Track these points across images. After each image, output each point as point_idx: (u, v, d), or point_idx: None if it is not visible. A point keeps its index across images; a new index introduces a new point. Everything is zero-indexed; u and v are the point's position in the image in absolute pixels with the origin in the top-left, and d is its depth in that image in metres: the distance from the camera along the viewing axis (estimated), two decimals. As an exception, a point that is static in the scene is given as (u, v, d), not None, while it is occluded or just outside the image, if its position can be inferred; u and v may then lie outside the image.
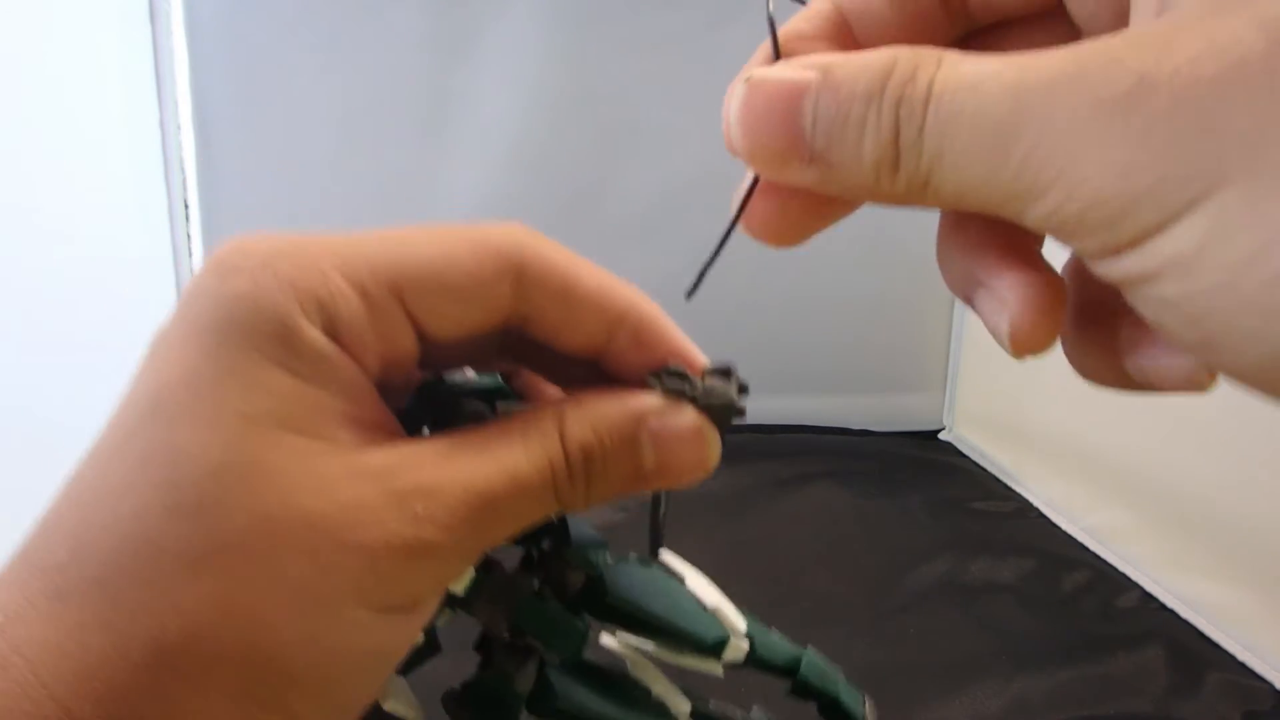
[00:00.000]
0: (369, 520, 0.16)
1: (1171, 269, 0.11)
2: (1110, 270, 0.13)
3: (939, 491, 0.88)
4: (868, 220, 1.02)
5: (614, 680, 0.23)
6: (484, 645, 0.22)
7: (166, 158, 0.90)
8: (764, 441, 1.00)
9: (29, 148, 0.64)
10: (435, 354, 0.19)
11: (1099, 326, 0.17)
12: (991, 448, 0.98)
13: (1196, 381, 0.15)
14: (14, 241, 0.61)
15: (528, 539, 0.22)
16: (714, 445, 0.19)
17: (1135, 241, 0.12)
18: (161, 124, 0.89)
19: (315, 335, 0.16)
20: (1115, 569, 0.72)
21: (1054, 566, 0.72)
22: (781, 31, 0.16)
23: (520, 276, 0.18)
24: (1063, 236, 0.13)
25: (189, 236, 0.92)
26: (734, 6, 0.96)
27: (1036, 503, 0.86)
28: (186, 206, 0.92)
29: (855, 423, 1.07)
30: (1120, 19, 0.15)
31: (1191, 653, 0.60)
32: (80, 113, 0.74)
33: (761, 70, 0.15)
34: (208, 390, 0.15)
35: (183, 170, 0.91)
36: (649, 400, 0.19)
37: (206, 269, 0.17)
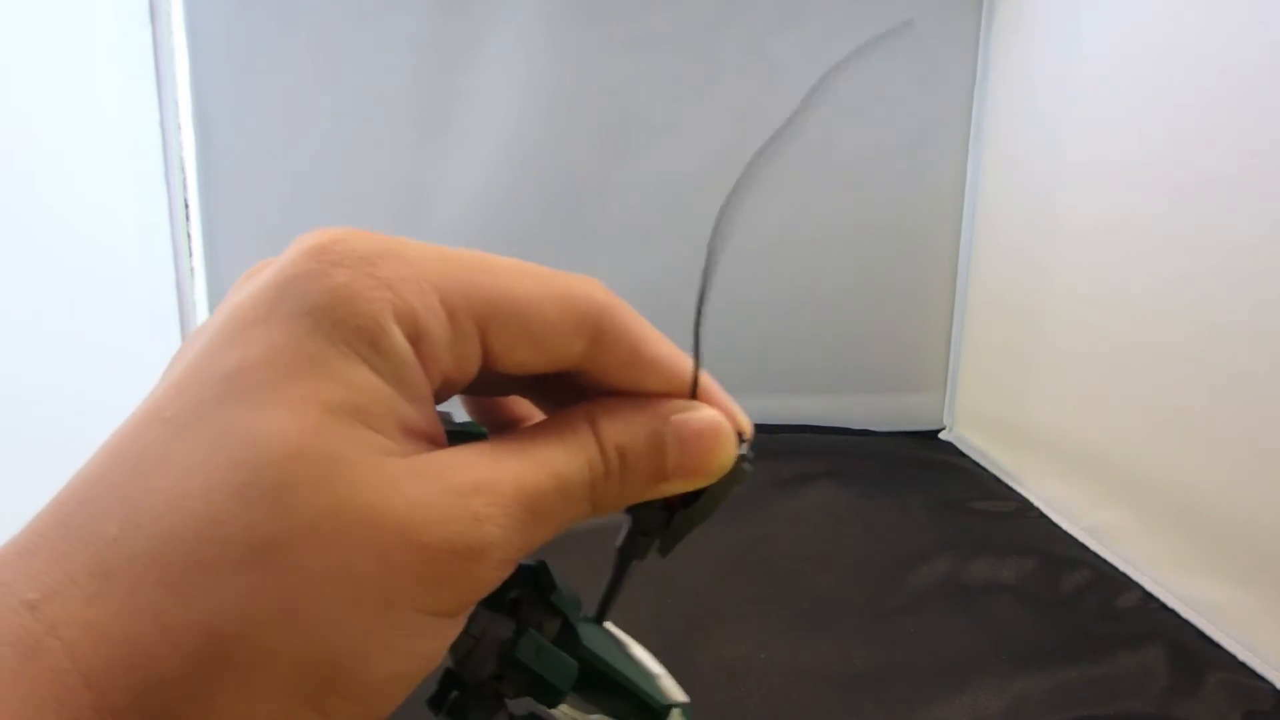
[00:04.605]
0: (434, 519, 0.15)
1: None
2: None
3: (939, 491, 0.88)
4: (868, 222, 1.02)
5: None
6: (445, 697, 0.21)
7: (167, 157, 0.90)
8: (764, 441, 1.00)
9: (29, 148, 0.65)
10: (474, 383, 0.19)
11: None
12: (992, 448, 0.98)
13: None
14: (13, 241, 0.61)
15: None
16: (730, 445, 0.20)
17: None
18: (162, 124, 0.89)
19: (401, 341, 0.16)
20: (1115, 569, 0.72)
21: (1054, 566, 0.72)
22: None
23: (598, 338, 0.19)
24: None
25: (189, 236, 0.93)
26: (732, 8, 0.97)
27: (1037, 502, 0.86)
28: (186, 206, 0.92)
29: (856, 423, 1.07)
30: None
31: (1192, 653, 0.60)
32: (81, 113, 0.74)
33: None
34: (292, 374, 0.15)
35: (183, 170, 0.91)
36: (670, 402, 0.19)
37: (306, 255, 0.16)
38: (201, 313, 0.95)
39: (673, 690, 0.24)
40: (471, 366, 0.18)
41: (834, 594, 0.68)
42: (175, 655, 0.14)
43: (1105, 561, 0.74)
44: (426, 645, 0.16)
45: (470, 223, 0.98)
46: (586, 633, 0.22)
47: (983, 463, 0.97)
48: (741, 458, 0.21)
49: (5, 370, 0.59)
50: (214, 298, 0.95)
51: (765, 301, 1.04)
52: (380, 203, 0.96)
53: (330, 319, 0.16)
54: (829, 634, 0.62)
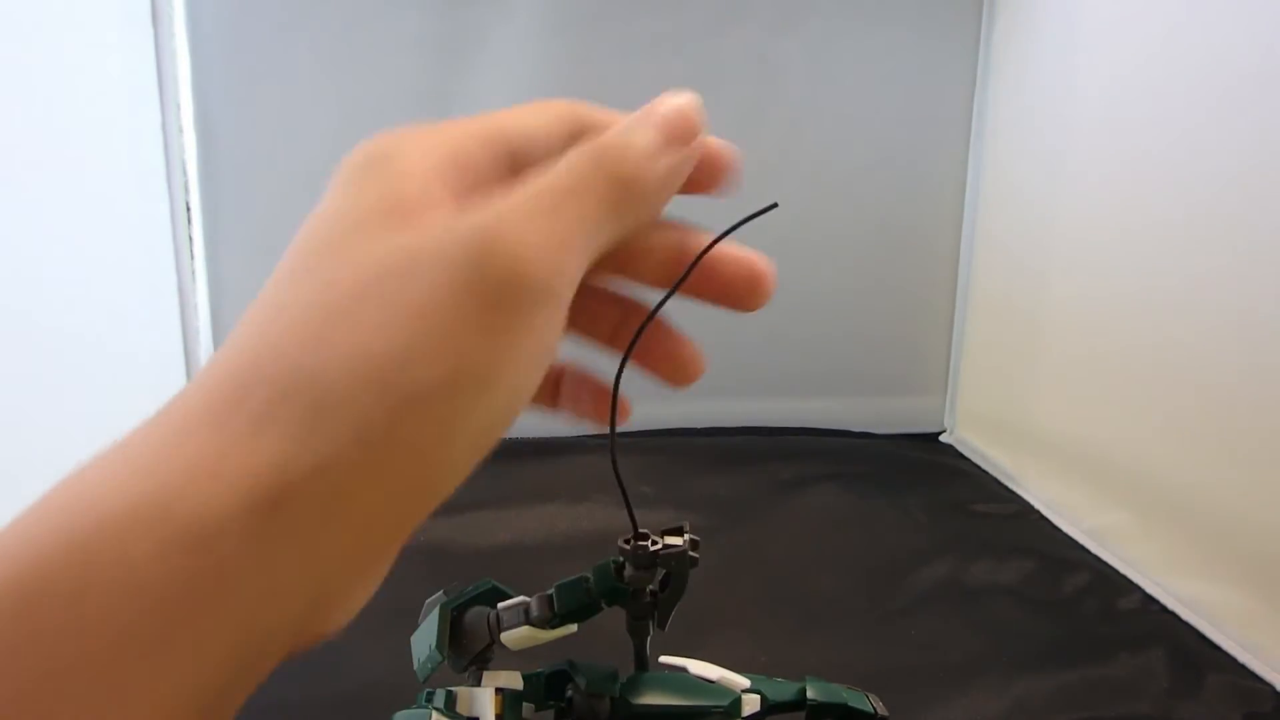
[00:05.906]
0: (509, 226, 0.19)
1: None
2: None
3: (940, 493, 0.88)
4: (868, 223, 1.02)
5: None
6: None
7: (169, 160, 0.90)
8: (765, 444, 1.00)
9: (31, 150, 0.65)
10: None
11: None
12: (992, 450, 0.98)
13: None
14: (15, 243, 0.62)
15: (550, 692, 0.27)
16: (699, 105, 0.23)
17: None
18: (164, 126, 0.89)
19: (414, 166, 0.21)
20: (1116, 571, 0.72)
21: (1055, 568, 0.72)
22: None
23: (580, 119, 0.26)
24: None
25: (190, 239, 0.93)
26: (732, 9, 0.97)
27: (1037, 504, 0.86)
28: (188, 209, 0.92)
29: (856, 425, 1.07)
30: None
31: (1192, 654, 0.60)
32: (82, 115, 0.74)
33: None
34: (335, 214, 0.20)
35: (185, 173, 0.91)
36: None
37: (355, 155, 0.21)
38: (203, 314, 0.95)
39: (738, 681, 0.27)
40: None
41: (835, 596, 0.68)
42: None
43: (1105, 563, 0.74)
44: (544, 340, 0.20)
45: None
46: (633, 689, 0.26)
47: (983, 465, 0.97)
48: (693, 543, 0.26)
49: (6, 371, 0.59)
50: (215, 300, 0.95)
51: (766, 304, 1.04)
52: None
53: (365, 161, 0.21)
54: (830, 636, 0.63)
